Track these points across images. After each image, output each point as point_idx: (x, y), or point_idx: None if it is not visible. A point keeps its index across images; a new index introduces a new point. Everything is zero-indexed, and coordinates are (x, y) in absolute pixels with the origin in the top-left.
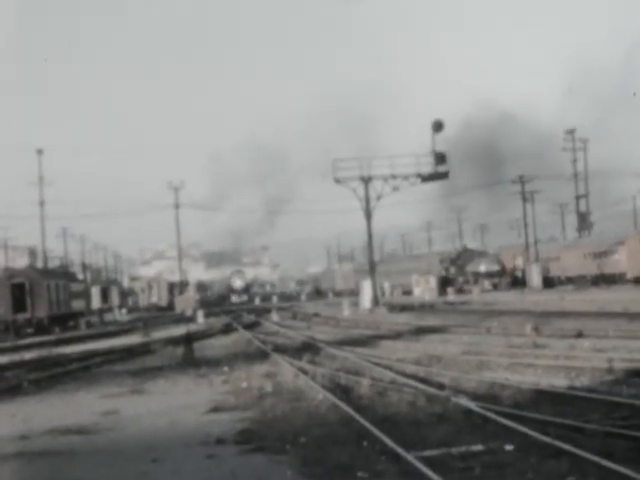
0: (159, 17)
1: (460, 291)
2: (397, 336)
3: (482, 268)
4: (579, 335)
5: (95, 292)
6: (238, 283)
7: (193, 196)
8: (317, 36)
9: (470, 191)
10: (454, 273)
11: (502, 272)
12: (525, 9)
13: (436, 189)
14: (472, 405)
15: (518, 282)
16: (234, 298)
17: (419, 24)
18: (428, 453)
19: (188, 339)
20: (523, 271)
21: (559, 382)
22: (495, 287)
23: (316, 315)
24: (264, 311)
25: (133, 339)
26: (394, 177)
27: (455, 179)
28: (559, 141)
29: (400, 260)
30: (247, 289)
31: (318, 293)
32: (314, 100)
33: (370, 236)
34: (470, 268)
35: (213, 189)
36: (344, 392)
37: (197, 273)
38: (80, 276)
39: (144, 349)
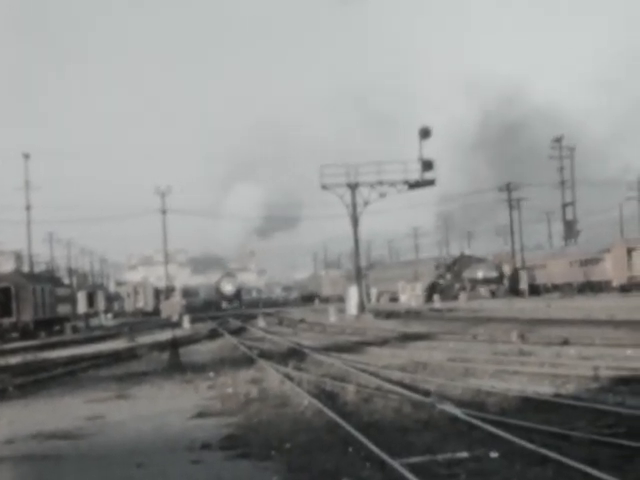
0: (149, 18)
1: (455, 298)
2: (383, 343)
3: (480, 274)
4: (565, 343)
5: (81, 297)
6: (229, 288)
7: (181, 201)
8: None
9: (457, 198)
10: (450, 279)
11: (500, 279)
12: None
13: (424, 196)
14: (458, 412)
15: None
16: (224, 304)
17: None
18: (413, 460)
19: (174, 344)
20: (509, 278)
21: (545, 389)
22: (493, 294)
23: (302, 321)
24: (250, 317)
25: (119, 344)
26: (381, 183)
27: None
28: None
29: (392, 266)
30: (238, 294)
31: (309, 299)
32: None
33: (357, 242)
34: (467, 274)
35: (204, 195)
36: (330, 398)
37: (183, 278)
38: (66, 281)
39: (130, 354)
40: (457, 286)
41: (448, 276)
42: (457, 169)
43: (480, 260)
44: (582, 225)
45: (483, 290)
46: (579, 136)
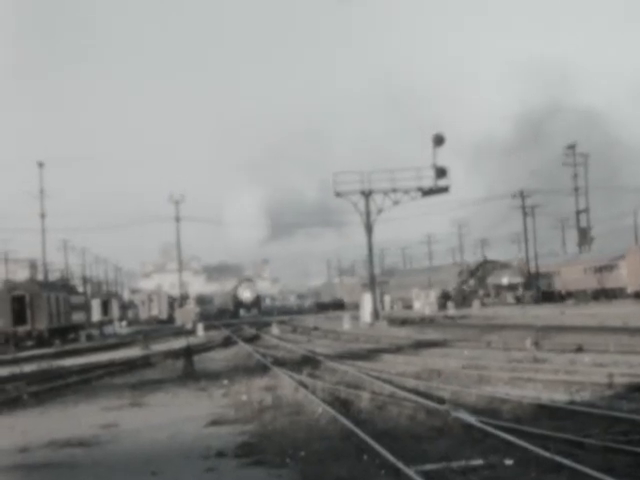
0: (162, 22)
1: (469, 305)
2: (397, 350)
3: (504, 280)
4: (579, 350)
5: (95, 305)
6: (247, 294)
7: (195, 209)
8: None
9: (471, 204)
10: (474, 285)
11: (526, 285)
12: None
13: (439, 203)
14: (472, 419)
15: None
16: (242, 312)
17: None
18: (428, 467)
19: (188, 352)
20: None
21: (559, 397)
22: (518, 300)
23: (316, 329)
24: (264, 325)
25: (133, 352)
26: (395, 191)
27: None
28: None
29: (412, 273)
30: (257, 301)
31: (325, 307)
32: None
33: (370, 250)
34: (491, 280)
35: (218, 203)
36: (344, 406)
37: (198, 286)
38: (80, 289)
39: (144, 362)
40: (481, 292)
41: (471, 282)
42: (484, 175)
43: (504, 266)
44: (596, 232)
45: (508, 296)
46: (612, 142)
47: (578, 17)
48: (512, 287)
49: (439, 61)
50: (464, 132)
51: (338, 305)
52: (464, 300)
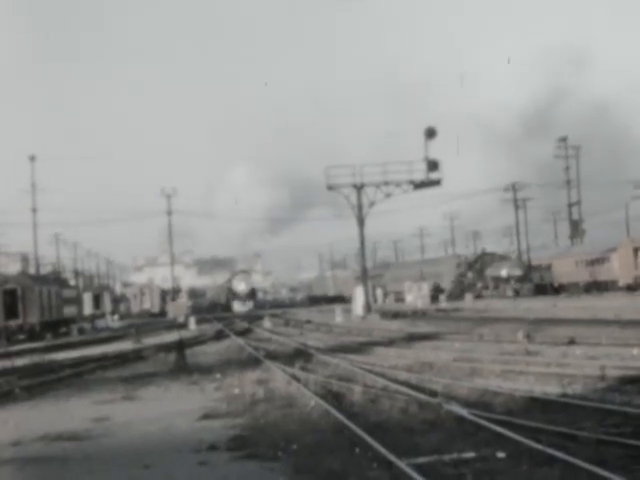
0: (155, 18)
1: (478, 297)
2: (389, 343)
3: (503, 272)
4: (571, 342)
5: (87, 298)
6: (242, 287)
7: (187, 203)
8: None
9: (463, 197)
10: (472, 278)
11: (525, 277)
12: None
13: (430, 196)
14: (464, 412)
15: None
16: (237, 306)
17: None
18: (420, 460)
19: (180, 346)
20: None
21: (551, 389)
22: (517, 293)
23: (308, 322)
24: (256, 318)
25: (125, 345)
26: (387, 184)
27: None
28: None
29: (409, 266)
30: (253, 294)
31: (317, 301)
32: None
33: (362, 243)
34: (490, 272)
35: (210, 196)
36: (336, 399)
37: (189, 279)
38: (72, 282)
39: (136, 355)
40: (479, 285)
41: (470, 274)
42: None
43: (503, 257)
44: (588, 225)
45: (508, 289)
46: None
47: (584, 7)
48: (511, 279)
49: (439, 59)
50: (460, 125)
51: (331, 298)
52: (462, 293)
